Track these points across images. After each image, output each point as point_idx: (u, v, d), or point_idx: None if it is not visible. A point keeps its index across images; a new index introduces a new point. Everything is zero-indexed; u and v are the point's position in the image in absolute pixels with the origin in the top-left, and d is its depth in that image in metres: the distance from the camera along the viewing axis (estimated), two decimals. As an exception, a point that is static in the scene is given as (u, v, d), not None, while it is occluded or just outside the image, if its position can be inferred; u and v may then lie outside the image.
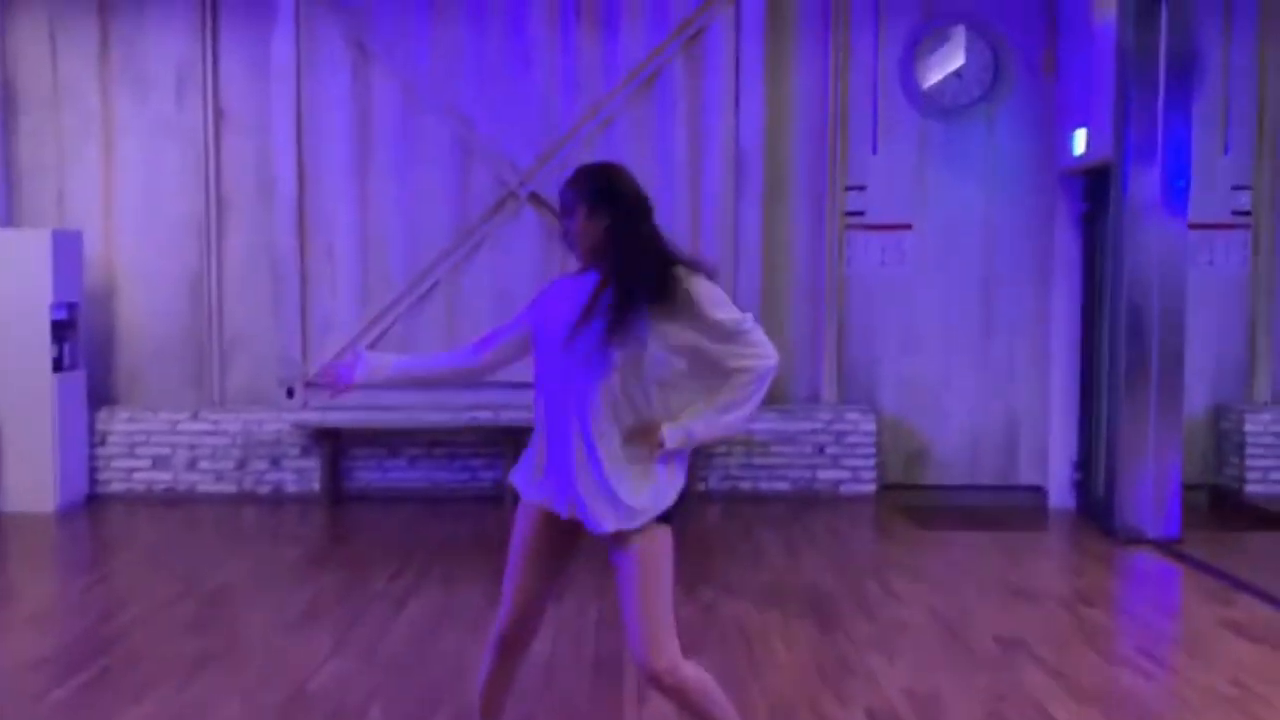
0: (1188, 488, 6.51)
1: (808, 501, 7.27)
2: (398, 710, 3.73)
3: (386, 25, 7.29)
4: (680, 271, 2.72)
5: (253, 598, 5.07)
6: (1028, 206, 7.50)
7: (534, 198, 7.24)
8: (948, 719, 3.65)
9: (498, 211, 7.32)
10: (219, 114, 7.42)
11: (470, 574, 5.32)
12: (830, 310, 7.52)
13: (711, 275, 2.77)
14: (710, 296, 2.70)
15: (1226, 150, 7.40)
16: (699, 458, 7.34)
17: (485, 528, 6.41)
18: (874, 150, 7.53)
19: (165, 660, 4.18)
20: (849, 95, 7.51)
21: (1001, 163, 7.52)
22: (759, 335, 2.75)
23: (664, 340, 2.67)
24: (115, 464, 7.36)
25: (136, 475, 7.37)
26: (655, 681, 2.75)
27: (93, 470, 7.33)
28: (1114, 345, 6.50)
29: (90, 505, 7.14)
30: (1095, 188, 7.14)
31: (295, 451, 7.37)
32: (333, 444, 7.25)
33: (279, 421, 7.34)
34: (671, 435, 2.70)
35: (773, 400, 7.49)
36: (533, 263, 7.26)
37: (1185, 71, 6.20)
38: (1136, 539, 6.18)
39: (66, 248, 6.97)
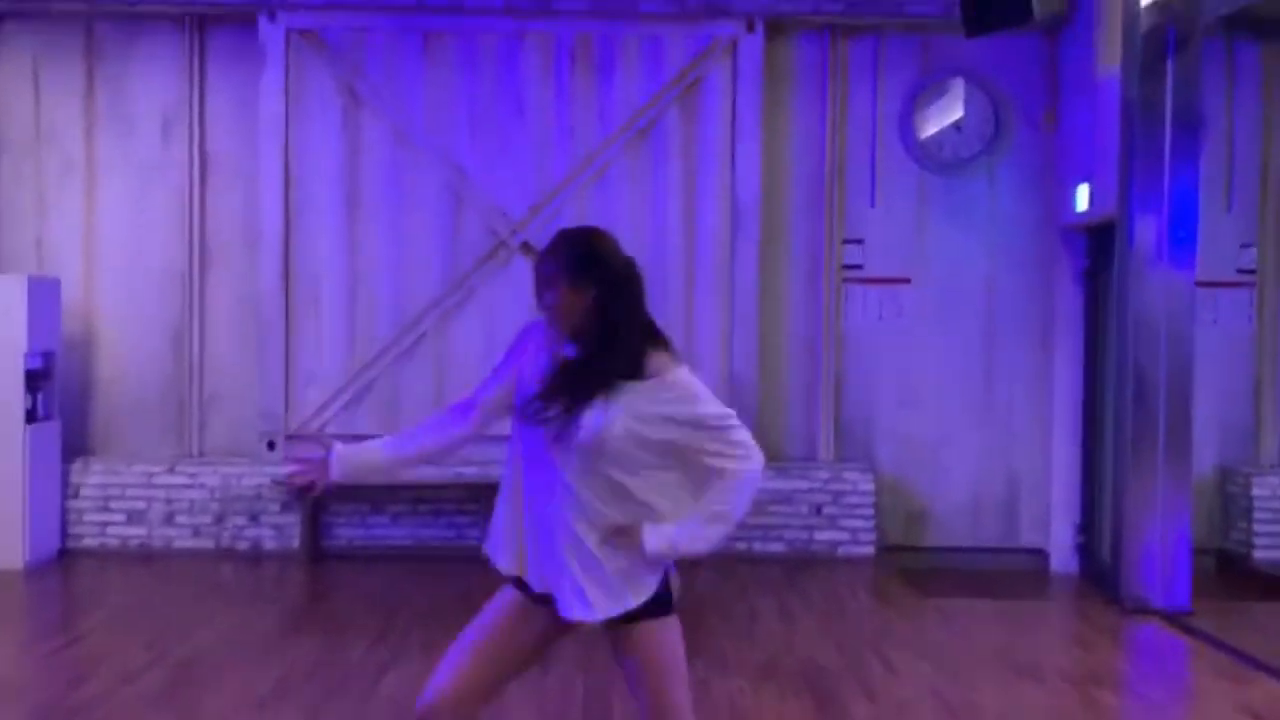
0: (1194, 552, 6.31)
1: (804, 564, 7.05)
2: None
3: (378, 70, 7.16)
4: (665, 359, 2.55)
5: (223, 668, 4.82)
6: (1028, 262, 7.36)
7: (526, 247, 7.08)
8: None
9: (488, 261, 7.15)
10: (205, 159, 7.27)
11: (453, 641, 5.07)
12: (827, 365, 7.35)
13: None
14: (694, 388, 2.54)
15: (1230, 207, 7.28)
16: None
17: (470, 589, 6.10)
18: (872, 203, 7.40)
19: (125, 742, 3.94)
20: (847, 147, 7.39)
21: (1002, 217, 7.40)
22: (743, 435, 2.57)
23: (640, 429, 2.50)
24: (88, 518, 7.12)
25: (110, 530, 7.13)
26: None
27: (65, 525, 7.08)
28: (1119, 405, 6.33)
29: (61, 561, 6.89)
30: (1098, 244, 7.01)
31: (275, 507, 7.14)
32: (313, 499, 7.02)
33: (259, 475, 7.12)
34: (653, 543, 2.51)
35: (768, 457, 7.28)
36: (523, 314, 7.04)
37: (1192, 126, 6.09)
38: (1143, 609, 5.96)
39: (43, 295, 6.78)
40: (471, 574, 6.63)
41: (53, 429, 6.91)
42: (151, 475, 7.14)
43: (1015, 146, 7.38)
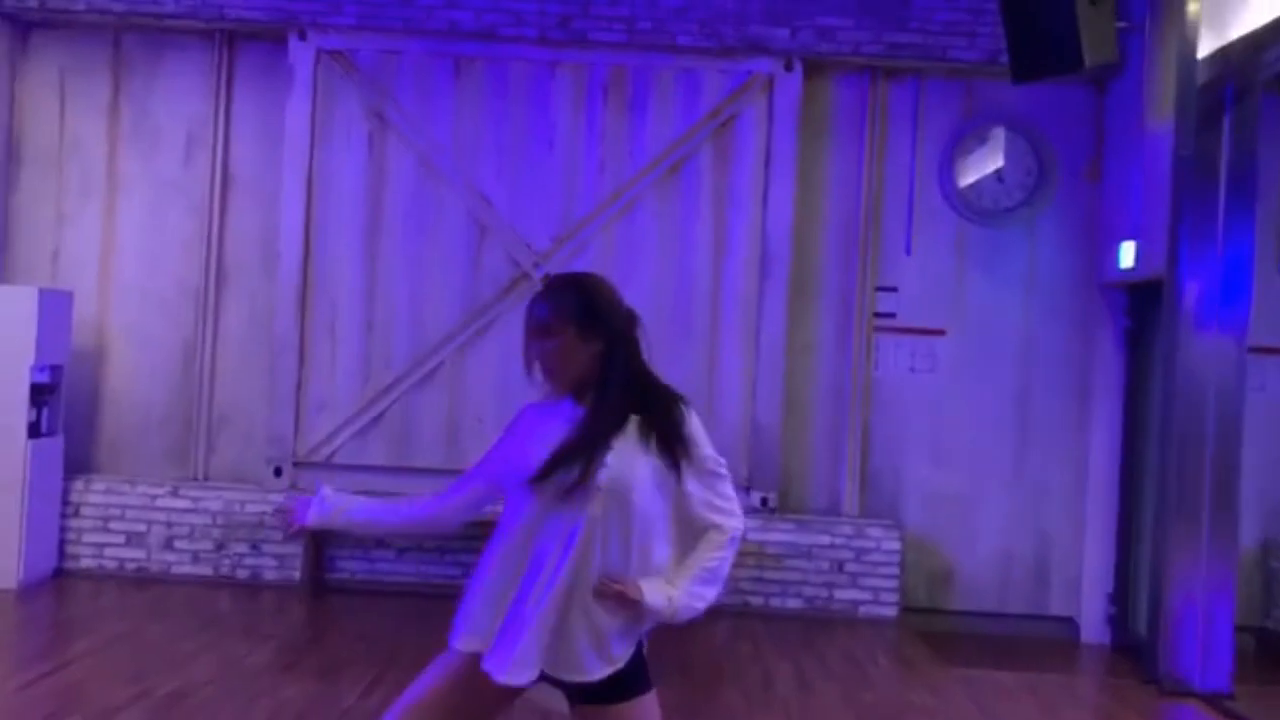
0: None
1: (823, 623, 6.74)
2: None
3: (407, 95, 7.02)
4: (681, 405, 2.42)
5: (207, 709, 4.58)
6: (1068, 318, 7.10)
7: (547, 280, 6.87)
8: None
9: (509, 294, 6.94)
10: (227, 177, 7.13)
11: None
12: (854, 416, 7.09)
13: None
14: (698, 430, 2.43)
15: (1280, 269, 7.00)
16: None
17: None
18: (908, 251, 7.17)
19: (95, 788, 3.70)
20: (884, 193, 7.17)
21: (1042, 271, 7.14)
22: (731, 488, 2.47)
23: (649, 478, 2.36)
24: (87, 538, 6.93)
25: (108, 551, 6.93)
26: None
27: (63, 543, 6.88)
28: (1162, 473, 6.03)
29: (56, 581, 6.69)
30: (1142, 303, 6.75)
31: (277, 536, 6.90)
32: (319, 531, 6.79)
33: (263, 503, 6.90)
34: (654, 598, 2.33)
35: (788, 508, 7.05)
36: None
37: (1247, 185, 5.83)
38: (1182, 690, 5.63)
39: (55, 307, 6.63)
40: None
41: (56, 445, 6.73)
42: (154, 497, 6.95)
43: (1058, 198, 7.14)
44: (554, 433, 2.36)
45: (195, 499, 6.94)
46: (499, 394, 6.75)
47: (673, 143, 6.99)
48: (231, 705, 4.64)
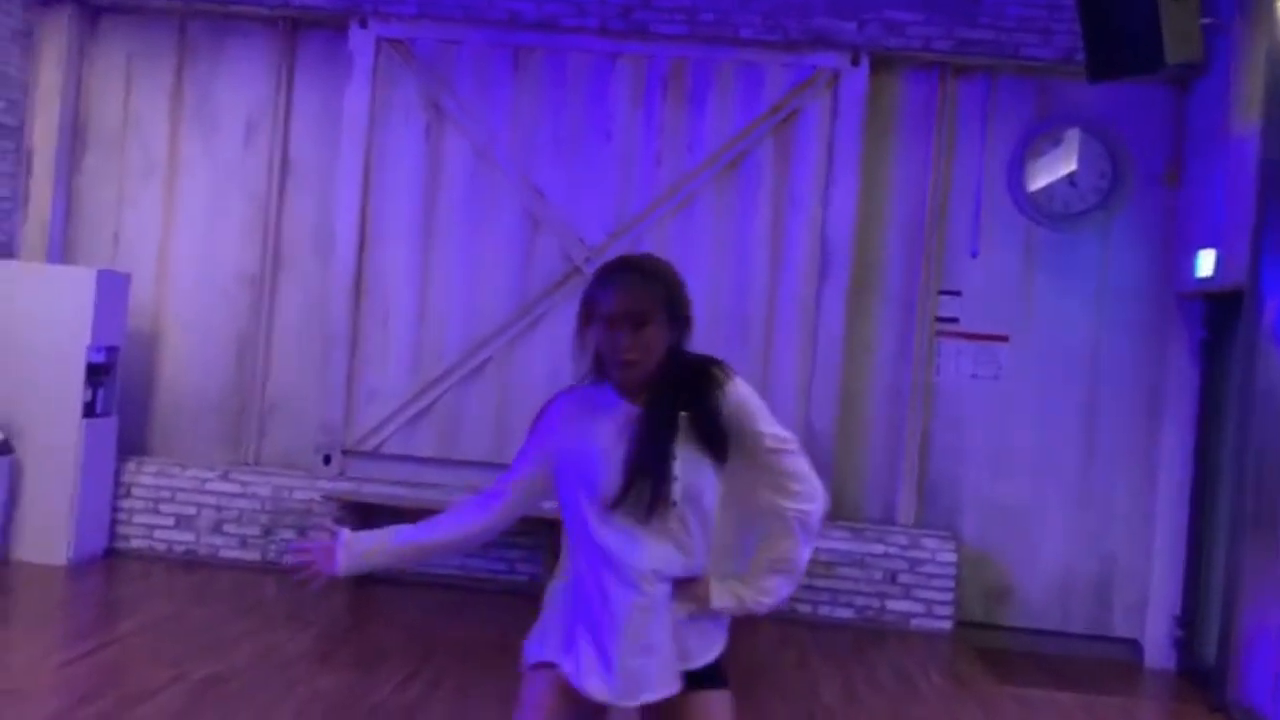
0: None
1: (874, 634, 6.55)
2: None
3: (466, 86, 6.96)
4: (735, 382, 2.24)
5: (244, 695, 4.54)
6: (1140, 328, 6.82)
7: (602, 276, 6.76)
8: None
9: (560, 288, 6.85)
10: (285, 163, 7.14)
11: (487, 688, 4.73)
12: (913, 421, 6.88)
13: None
14: (753, 401, 2.25)
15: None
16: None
17: (513, 629, 5.80)
18: (974, 254, 6.94)
19: (123, 769, 3.67)
20: (950, 193, 6.95)
21: (1114, 278, 6.87)
22: (804, 465, 2.27)
23: (713, 476, 2.23)
24: (137, 519, 6.97)
25: (158, 533, 6.97)
26: None
27: (114, 523, 6.94)
28: (1237, 490, 5.75)
29: (105, 561, 6.74)
30: (1220, 314, 6.46)
31: (326, 522, 6.87)
32: (364, 518, 6.75)
33: (311, 490, 6.90)
34: (721, 599, 2.23)
35: (841, 515, 6.86)
36: (595, 345, 6.76)
37: (1337, 193, 5.53)
38: (1252, 718, 5.35)
39: (112, 289, 6.68)
40: (516, 611, 6.30)
41: (110, 425, 6.79)
42: (204, 481, 6.98)
43: (1132, 203, 6.86)
44: (609, 438, 2.19)
45: (245, 484, 6.95)
46: (548, 388, 6.54)
47: (732, 138, 6.84)
48: (267, 692, 4.60)
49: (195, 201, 7.20)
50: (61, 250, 7.16)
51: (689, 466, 2.18)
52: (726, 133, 6.85)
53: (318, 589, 2.37)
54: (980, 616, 6.80)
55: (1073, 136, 6.89)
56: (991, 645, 6.55)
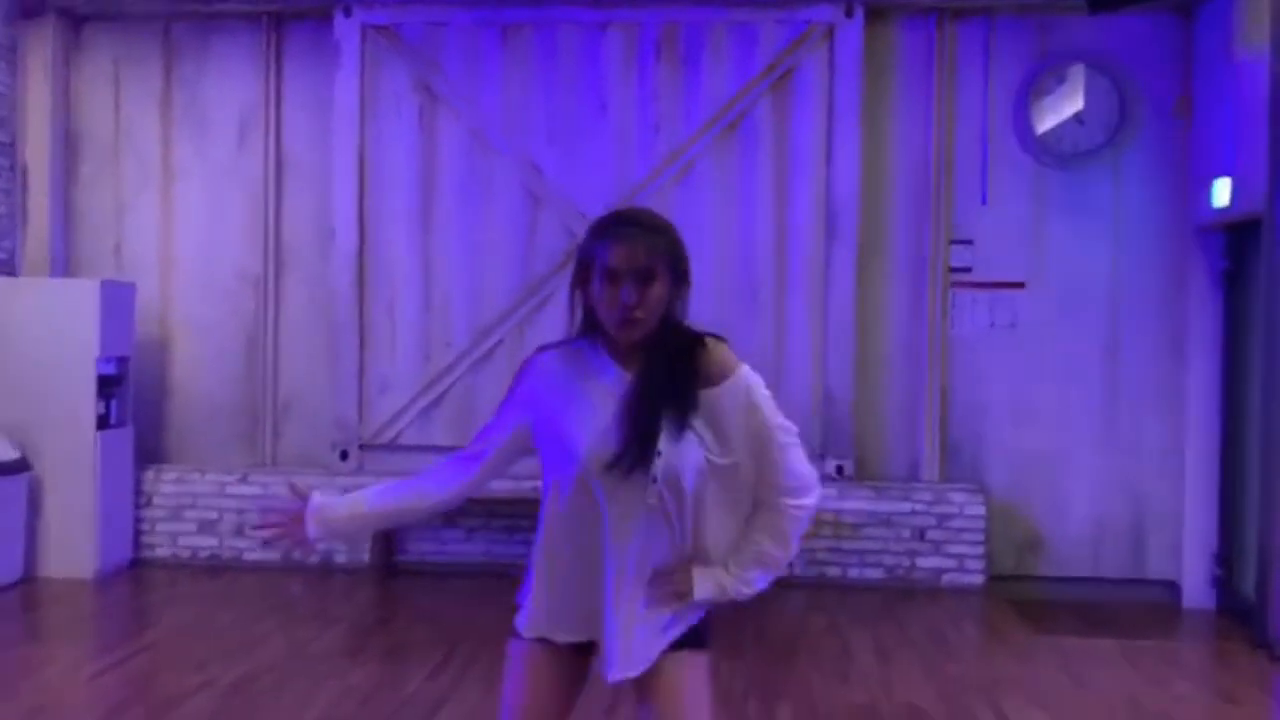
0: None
1: (904, 593, 6.48)
2: None
3: (455, 66, 6.87)
4: (726, 355, 2.15)
5: (273, 695, 4.52)
6: (1158, 264, 6.68)
7: (606, 251, 6.68)
8: None
9: (564, 266, 6.76)
10: (280, 160, 7.07)
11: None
12: (932, 377, 6.77)
13: None
14: (761, 392, 2.16)
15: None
16: (782, 539, 6.62)
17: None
18: (983, 201, 6.81)
19: (154, 778, 3.64)
20: (955, 141, 6.81)
21: (1128, 215, 6.72)
22: (804, 460, 2.19)
23: (699, 458, 2.12)
24: (160, 527, 6.97)
25: (181, 540, 6.97)
26: None
27: (138, 533, 6.94)
28: (1267, 420, 5.63)
29: (132, 571, 6.74)
30: (1240, 243, 6.31)
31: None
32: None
33: (330, 486, 6.84)
34: (702, 587, 2.15)
35: (865, 476, 6.77)
36: (604, 321, 6.67)
37: (1353, 111, 5.37)
38: (1296, 655, 5.26)
39: (118, 299, 6.64)
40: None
41: (125, 435, 6.77)
42: (224, 485, 6.96)
43: (1143, 138, 6.70)
44: (597, 402, 2.11)
45: (264, 485, 6.92)
46: (560, 368, 6.58)
47: (729, 100, 6.72)
48: (297, 690, 4.57)
49: (193, 204, 7.15)
50: (64, 263, 7.13)
51: (672, 444, 2.09)
52: (723, 95, 6.73)
53: (300, 554, 2.31)
54: (1012, 569, 6.71)
55: (1077, 73, 6.72)
56: (1025, 596, 6.46)
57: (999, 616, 6.07)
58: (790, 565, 6.48)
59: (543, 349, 2.23)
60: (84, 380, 6.43)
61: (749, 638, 5.48)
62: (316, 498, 2.27)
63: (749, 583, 2.18)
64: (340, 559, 6.87)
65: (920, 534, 6.63)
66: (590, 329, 2.16)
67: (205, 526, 6.94)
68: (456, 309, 6.91)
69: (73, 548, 6.44)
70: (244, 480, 6.95)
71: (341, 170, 6.90)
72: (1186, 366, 6.58)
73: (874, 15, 6.73)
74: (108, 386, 6.57)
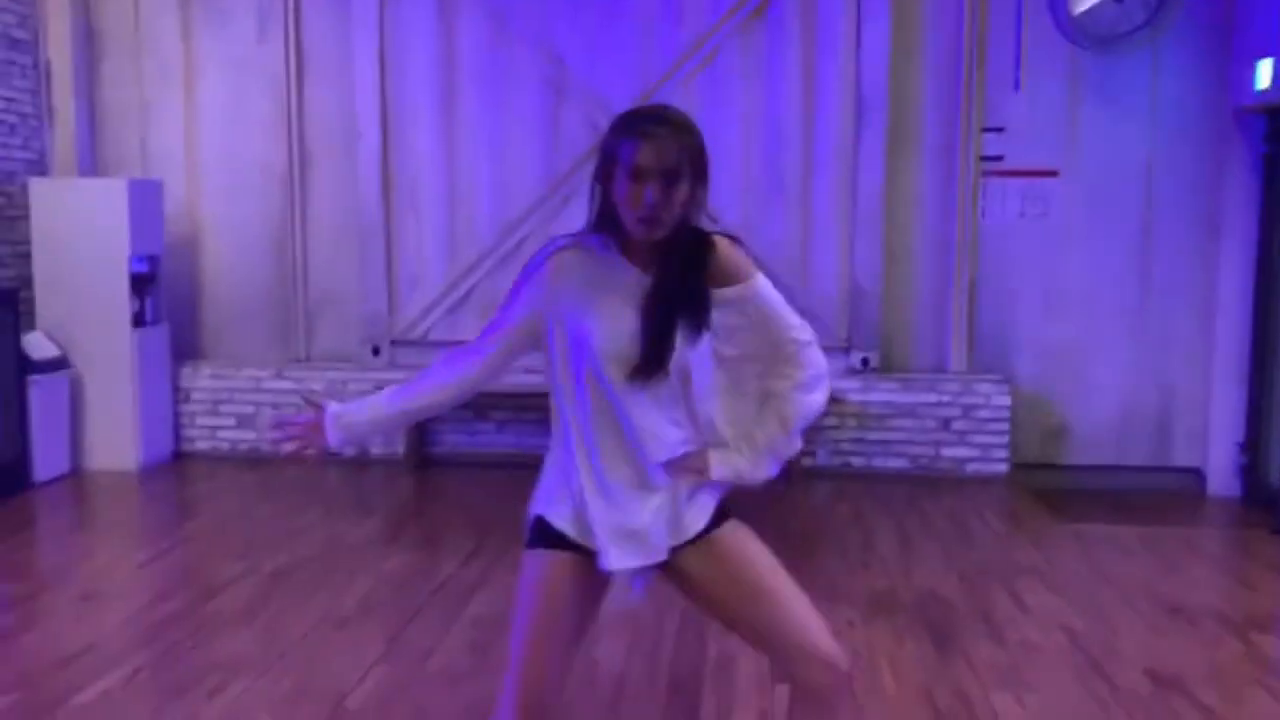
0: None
1: (929, 483, 6.56)
2: (440, 738, 3.28)
3: (474, -45, 6.72)
4: (739, 257, 2.18)
5: (312, 582, 4.69)
6: (1196, 150, 6.53)
7: (631, 143, 6.61)
8: (1088, 790, 2.99)
9: (588, 159, 6.71)
10: (301, 55, 7.00)
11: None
12: (961, 268, 6.72)
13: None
14: (774, 294, 2.21)
15: None
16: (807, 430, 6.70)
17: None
18: (1016, 87, 6.65)
19: (203, 661, 3.83)
20: (987, 24, 6.62)
21: (1166, 99, 6.55)
22: (819, 355, 2.25)
23: (728, 341, 2.21)
24: (200, 422, 7.15)
25: (220, 434, 7.15)
26: (842, 671, 2.22)
27: (178, 427, 7.13)
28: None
29: (174, 464, 6.95)
30: (1280, 128, 6.14)
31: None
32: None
33: (364, 381, 6.98)
34: (719, 471, 2.23)
35: (891, 368, 6.79)
36: (629, 214, 6.64)
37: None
38: (1317, 542, 5.32)
39: (145, 198, 6.69)
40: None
41: (161, 333, 6.89)
42: (259, 380, 7.10)
43: (1183, 18, 6.48)
44: (617, 300, 2.12)
45: (299, 380, 7.05)
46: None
47: (755, -16, 6.56)
48: (334, 580, 4.74)
49: (216, 101, 7.13)
50: (92, 162, 7.17)
51: (687, 344, 2.14)
52: (748, -20, 6.56)
53: (313, 460, 2.37)
54: (1037, 457, 6.76)
55: (1117, -50, 6.48)
56: (1049, 485, 6.53)
57: (1022, 505, 6.15)
58: (815, 455, 6.53)
59: (556, 246, 2.21)
60: (117, 278, 6.52)
61: (773, 526, 5.58)
62: (333, 405, 2.29)
63: (761, 467, 2.24)
64: (376, 452, 7.03)
65: (945, 424, 6.68)
66: (606, 224, 2.16)
67: (243, 421, 7.11)
68: (481, 204, 6.90)
69: (115, 442, 6.63)
70: (279, 375, 7.08)
71: (362, 64, 6.84)
72: (1220, 254, 6.49)
73: (906, -108, 6.48)
74: (141, 285, 6.66)
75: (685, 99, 6.61)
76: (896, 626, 4.20)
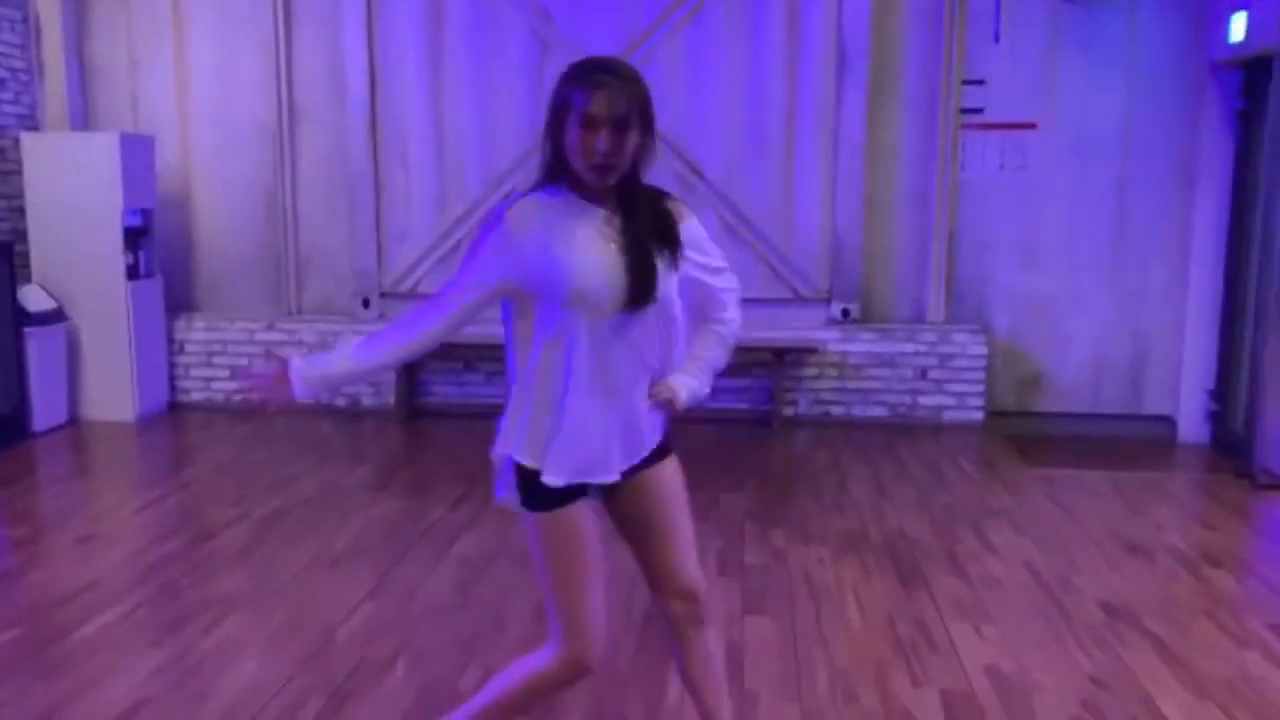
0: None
1: (906, 430, 6.73)
2: (424, 666, 3.45)
3: (459, -92, 6.76)
4: (675, 202, 2.36)
5: (305, 526, 4.87)
6: (1172, 102, 6.63)
7: (615, 97, 6.69)
8: (1036, 711, 3.17)
9: (574, 112, 6.79)
10: (289, 9, 7.06)
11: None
12: (940, 219, 6.84)
13: None
14: (703, 231, 2.42)
15: None
16: (788, 380, 6.85)
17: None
18: (996, 39, 6.72)
19: (199, 599, 4.00)
20: (969, -23, 6.68)
21: (1143, 52, 6.63)
22: (736, 282, 2.49)
23: (673, 281, 2.35)
24: (194, 373, 7.30)
25: (215, 385, 7.30)
26: (699, 603, 2.46)
27: (173, 379, 7.27)
28: (1264, 262, 5.71)
29: (169, 415, 7.10)
30: (1255, 81, 6.23)
31: (371, 364, 7.15)
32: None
33: (356, 333, 7.12)
34: (684, 395, 2.40)
35: (871, 319, 6.93)
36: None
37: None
38: (1275, 484, 5.49)
39: (137, 152, 6.78)
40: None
41: (155, 285, 7.02)
42: (252, 332, 7.24)
43: (1163, -30, 6.55)
44: (594, 241, 2.20)
45: (291, 331, 7.20)
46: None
47: (738, -62, 6.61)
48: (326, 523, 4.91)
49: (206, 57, 7.19)
50: (83, 117, 7.24)
51: (665, 269, 2.27)
52: (731, -67, 6.61)
53: (274, 411, 2.44)
54: (1013, 405, 6.93)
55: (1098, -98, 6.53)
56: (1024, 432, 6.70)
57: (996, 451, 6.32)
58: (796, 404, 6.67)
59: (512, 199, 2.29)
60: (111, 232, 6.63)
61: (752, 471, 5.77)
62: (296, 361, 2.35)
63: (707, 384, 2.44)
64: (367, 402, 7.19)
65: (923, 373, 6.83)
66: (558, 174, 2.24)
67: (236, 372, 7.25)
68: (469, 157, 7.00)
69: (112, 393, 6.78)
70: (271, 328, 7.22)
71: (350, 20, 6.90)
72: (1193, 205, 6.61)
73: None
74: (134, 238, 6.77)
75: (671, 51, 6.70)
76: (865, 564, 4.38)
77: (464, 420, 6.96)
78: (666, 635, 2.54)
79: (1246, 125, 6.39)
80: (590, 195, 2.25)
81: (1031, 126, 6.78)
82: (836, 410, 6.88)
